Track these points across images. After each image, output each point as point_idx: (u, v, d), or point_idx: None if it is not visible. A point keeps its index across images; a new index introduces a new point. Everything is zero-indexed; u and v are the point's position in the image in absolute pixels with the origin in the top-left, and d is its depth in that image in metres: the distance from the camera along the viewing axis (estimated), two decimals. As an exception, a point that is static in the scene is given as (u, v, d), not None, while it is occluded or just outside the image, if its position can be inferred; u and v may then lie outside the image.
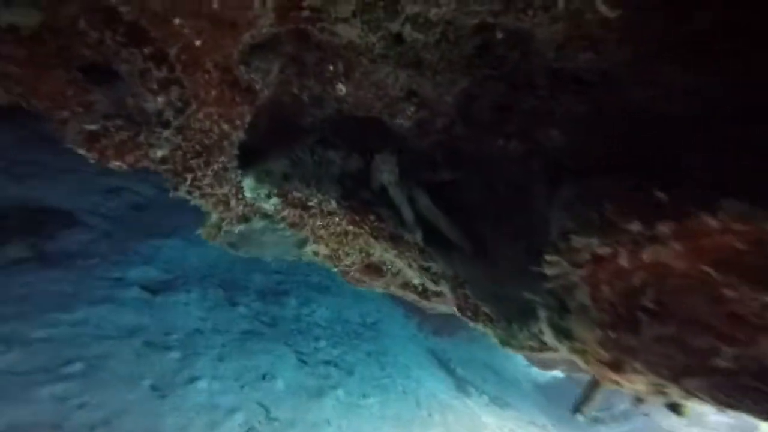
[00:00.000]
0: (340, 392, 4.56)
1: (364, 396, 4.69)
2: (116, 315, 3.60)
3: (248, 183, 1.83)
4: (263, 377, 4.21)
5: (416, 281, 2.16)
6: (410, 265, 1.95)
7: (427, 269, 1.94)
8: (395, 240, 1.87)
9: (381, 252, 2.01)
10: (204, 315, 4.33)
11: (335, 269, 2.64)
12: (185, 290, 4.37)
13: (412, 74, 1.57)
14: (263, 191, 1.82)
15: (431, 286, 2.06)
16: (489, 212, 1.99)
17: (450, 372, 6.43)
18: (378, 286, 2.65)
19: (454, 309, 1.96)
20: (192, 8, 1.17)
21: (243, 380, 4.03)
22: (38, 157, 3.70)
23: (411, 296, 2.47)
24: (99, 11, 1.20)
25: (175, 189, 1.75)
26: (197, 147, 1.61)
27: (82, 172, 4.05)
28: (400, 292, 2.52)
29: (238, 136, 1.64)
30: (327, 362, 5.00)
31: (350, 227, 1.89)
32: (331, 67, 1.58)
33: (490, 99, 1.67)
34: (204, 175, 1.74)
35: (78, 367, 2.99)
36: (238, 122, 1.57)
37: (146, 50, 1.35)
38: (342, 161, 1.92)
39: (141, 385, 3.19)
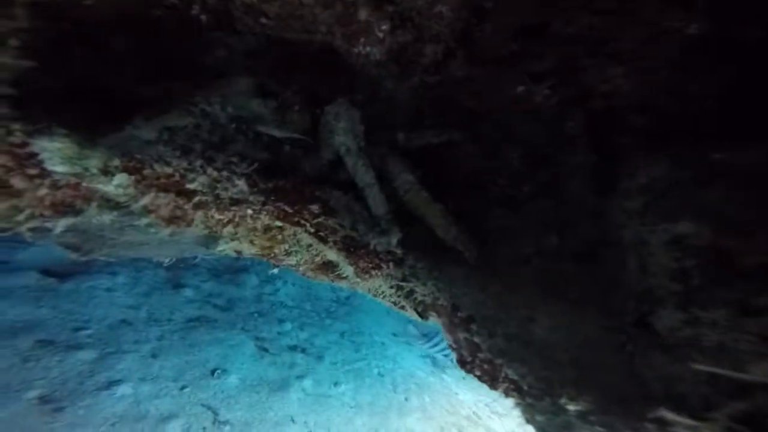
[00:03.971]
0: (307, 382, 3.77)
1: (335, 384, 3.93)
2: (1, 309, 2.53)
3: (56, 146, 0.77)
4: (212, 373, 3.31)
5: (393, 299, 1.23)
6: (379, 287, 1.09)
7: (407, 293, 1.07)
8: (353, 248, 0.97)
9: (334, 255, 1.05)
10: (134, 302, 3.30)
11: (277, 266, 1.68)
12: (109, 272, 3.30)
13: None
14: (93, 162, 0.79)
15: (419, 317, 1.14)
16: (505, 198, 1.14)
17: (429, 341, 5.78)
18: (344, 285, 1.72)
19: (456, 362, 1.05)
20: None
21: (184, 379, 3.12)
22: None
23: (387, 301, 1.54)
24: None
25: None
26: None
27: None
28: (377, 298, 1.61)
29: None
30: (293, 348, 4.18)
31: (277, 223, 0.95)
32: None
33: (518, 15, 0.91)
34: None
35: None
36: None
37: None
38: (275, 114, 0.92)
39: (22, 398, 2.21)
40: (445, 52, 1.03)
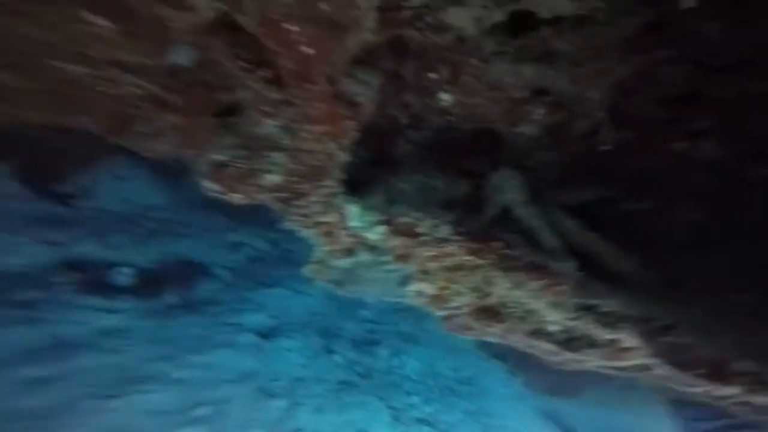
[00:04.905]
0: (440, 457, 3.73)
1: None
2: (235, 359, 3.61)
3: (353, 210, 1.65)
4: (361, 435, 3.69)
5: (555, 327, 1.59)
6: (556, 305, 1.41)
7: (589, 308, 1.35)
8: (537, 271, 1.35)
9: (506, 290, 1.53)
10: (305, 362, 4.13)
11: (438, 314, 2.19)
12: (289, 336, 4.29)
13: (542, 69, 1.23)
14: (368, 218, 1.60)
15: (600, 333, 1.41)
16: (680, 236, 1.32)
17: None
18: (493, 334, 2.07)
19: (650, 362, 1.27)
20: (305, 11, 1.08)
21: (342, 437, 3.57)
22: (188, 218, 4.27)
23: (545, 346, 1.80)
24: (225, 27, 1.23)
25: (284, 218, 1.64)
26: (305, 170, 1.46)
27: (215, 230, 4.54)
28: (526, 342, 1.90)
29: (343, 157, 1.46)
30: (421, 421, 4.27)
31: (468, 258, 1.47)
32: (433, 75, 1.35)
33: (666, 88, 1.22)
34: (311, 202, 1.57)
35: (205, 411, 2.94)
36: (343, 141, 1.40)
37: (263, 73, 1.36)
38: (446, 186, 1.64)
39: (250, 438, 2.98)
40: (594, 125, 1.33)
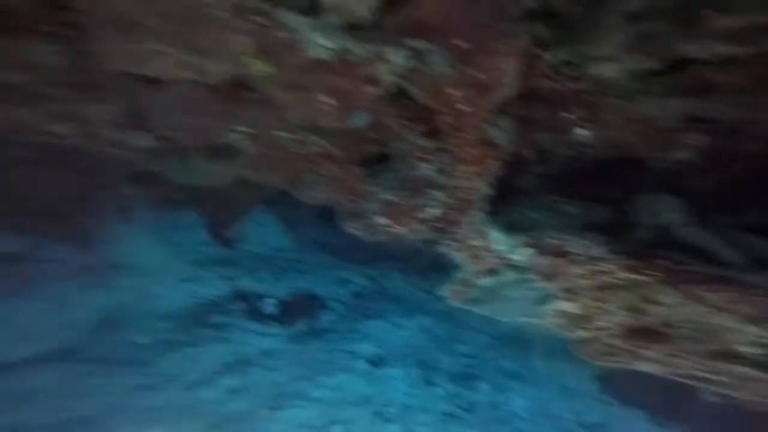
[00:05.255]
0: None
1: None
2: (354, 383, 3.95)
3: (497, 235, 1.93)
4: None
5: (749, 348, 1.44)
6: (754, 320, 1.31)
7: None
8: (720, 283, 1.31)
9: (672, 307, 1.50)
10: (409, 390, 4.27)
11: (577, 336, 2.19)
12: (393, 366, 4.51)
13: (695, 101, 1.29)
14: (514, 242, 1.85)
15: None
16: None
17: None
18: (649, 359, 1.90)
19: None
20: (465, 79, 1.43)
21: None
22: (306, 257, 4.99)
23: (737, 370, 1.58)
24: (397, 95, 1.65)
25: (436, 243, 1.95)
26: (457, 203, 1.76)
27: (325, 267, 5.19)
28: (703, 368, 1.72)
29: (487, 190, 1.75)
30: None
31: (625, 275, 1.53)
32: (568, 115, 1.56)
33: None
34: (461, 230, 1.85)
35: (338, 429, 3.27)
36: (487, 177, 1.69)
37: (421, 127, 1.74)
38: (581, 211, 1.81)
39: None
40: (764, 147, 1.26)
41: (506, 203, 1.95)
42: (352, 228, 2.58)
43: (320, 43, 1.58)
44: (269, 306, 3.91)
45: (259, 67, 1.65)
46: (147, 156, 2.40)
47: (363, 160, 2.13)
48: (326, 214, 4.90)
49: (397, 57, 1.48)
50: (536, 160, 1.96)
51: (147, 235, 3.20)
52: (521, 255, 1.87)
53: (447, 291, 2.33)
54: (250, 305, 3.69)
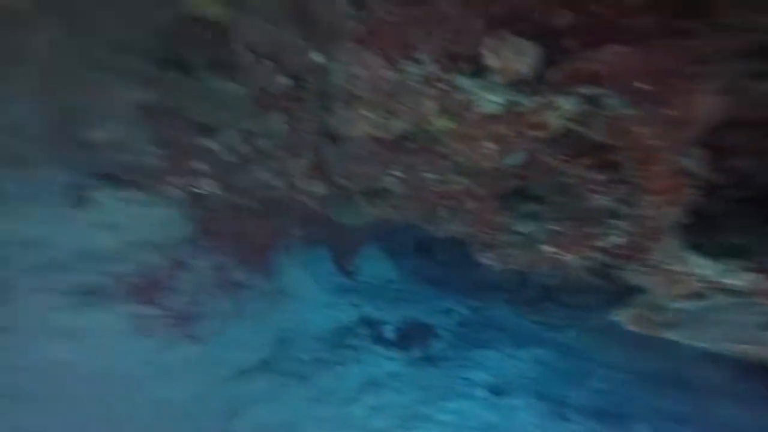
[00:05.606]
0: None
1: None
2: (475, 409, 3.92)
3: (700, 260, 1.78)
4: None
5: None
6: None
7: None
8: None
9: None
10: (538, 423, 4.04)
11: None
12: (513, 396, 4.34)
13: None
14: (725, 266, 1.70)
15: None
16: None
17: None
18: None
19: None
20: (655, 118, 1.51)
21: None
22: (412, 287, 5.27)
23: None
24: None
25: (621, 269, 1.96)
26: (646, 231, 1.79)
27: (431, 297, 5.39)
28: None
29: (679, 217, 1.75)
30: None
31: None
32: None
33: None
34: (652, 256, 1.86)
35: None
36: (679, 205, 1.72)
37: (587, 161, 1.90)
38: None
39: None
40: None
41: (703, 228, 1.89)
42: (485, 258, 2.78)
43: (491, 99, 1.94)
44: (389, 332, 4.20)
45: (443, 124, 2.07)
46: (320, 201, 2.97)
47: (501, 194, 2.31)
48: (425, 247, 5.21)
49: (566, 104, 1.75)
50: (734, 185, 1.82)
51: (299, 267, 3.80)
52: (738, 279, 1.80)
53: (625, 316, 2.32)
54: (373, 330, 4.02)
